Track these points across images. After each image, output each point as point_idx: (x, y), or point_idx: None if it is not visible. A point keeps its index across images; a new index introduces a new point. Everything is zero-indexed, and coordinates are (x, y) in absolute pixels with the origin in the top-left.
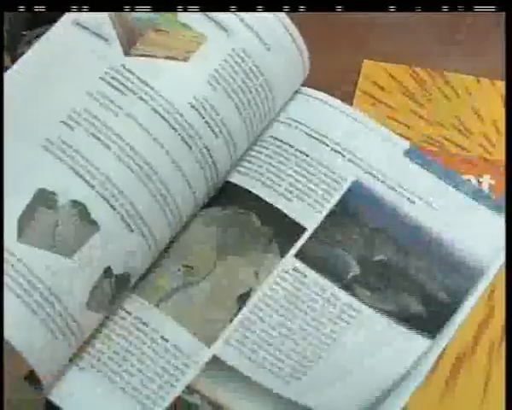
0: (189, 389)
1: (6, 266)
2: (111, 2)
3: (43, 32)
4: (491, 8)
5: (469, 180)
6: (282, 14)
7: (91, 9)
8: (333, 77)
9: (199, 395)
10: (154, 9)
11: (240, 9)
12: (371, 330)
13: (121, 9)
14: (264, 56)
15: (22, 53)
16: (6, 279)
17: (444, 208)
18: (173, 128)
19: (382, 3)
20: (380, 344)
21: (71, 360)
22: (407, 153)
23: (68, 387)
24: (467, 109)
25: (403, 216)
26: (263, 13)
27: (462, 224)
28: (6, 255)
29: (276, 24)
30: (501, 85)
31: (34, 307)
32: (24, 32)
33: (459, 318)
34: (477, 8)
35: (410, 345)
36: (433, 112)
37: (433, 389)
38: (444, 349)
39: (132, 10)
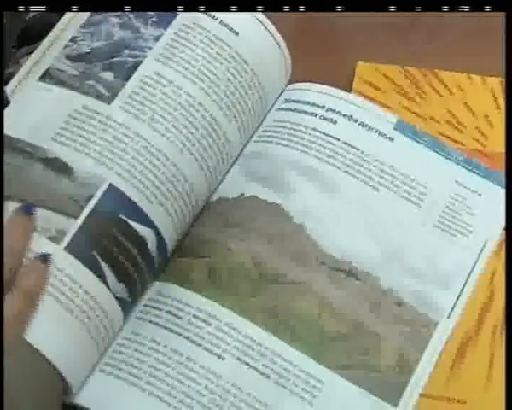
0: None
1: None
2: (111, 3)
3: (32, 51)
4: (491, 8)
5: (458, 149)
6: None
7: (91, 9)
8: (328, 79)
9: None
10: (154, 9)
11: (240, 9)
12: None
13: (121, 9)
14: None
15: (12, 73)
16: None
17: (437, 180)
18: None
19: (382, 3)
20: None
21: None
22: (396, 126)
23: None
24: (459, 105)
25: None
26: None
27: (457, 193)
28: None
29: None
30: (491, 81)
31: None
32: (13, 50)
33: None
34: (477, 8)
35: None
36: (427, 108)
37: (440, 371)
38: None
39: (132, 10)
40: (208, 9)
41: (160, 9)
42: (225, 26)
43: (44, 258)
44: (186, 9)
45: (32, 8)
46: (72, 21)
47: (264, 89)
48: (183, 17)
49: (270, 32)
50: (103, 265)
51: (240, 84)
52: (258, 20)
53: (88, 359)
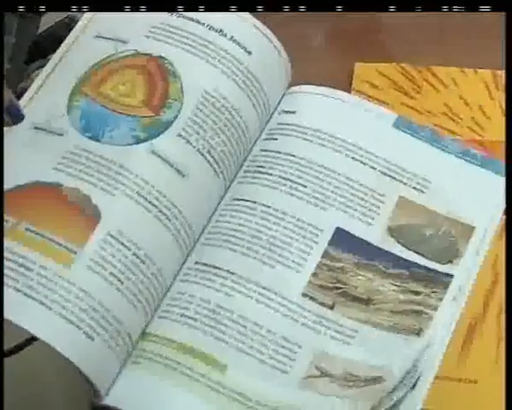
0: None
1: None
2: (111, 3)
3: (43, 65)
4: (491, 8)
5: (456, 140)
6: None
7: (91, 9)
8: (328, 80)
9: None
10: (154, 9)
11: (240, 9)
12: None
13: (121, 9)
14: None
15: (24, 88)
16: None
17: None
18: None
19: (382, 3)
20: None
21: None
22: (396, 124)
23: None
24: (454, 98)
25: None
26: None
27: (453, 185)
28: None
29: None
30: (483, 73)
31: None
32: (24, 65)
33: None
34: (477, 8)
35: None
36: (424, 103)
37: (450, 355)
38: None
39: (132, 10)
40: (208, 9)
41: (159, 9)
42: (238, 44)
43: None
44: (186, 9)
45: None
46: (81, 35)
47: (269, 99)
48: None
49: (273, 44)
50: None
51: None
52: (263, 33)
53: (113, 358)
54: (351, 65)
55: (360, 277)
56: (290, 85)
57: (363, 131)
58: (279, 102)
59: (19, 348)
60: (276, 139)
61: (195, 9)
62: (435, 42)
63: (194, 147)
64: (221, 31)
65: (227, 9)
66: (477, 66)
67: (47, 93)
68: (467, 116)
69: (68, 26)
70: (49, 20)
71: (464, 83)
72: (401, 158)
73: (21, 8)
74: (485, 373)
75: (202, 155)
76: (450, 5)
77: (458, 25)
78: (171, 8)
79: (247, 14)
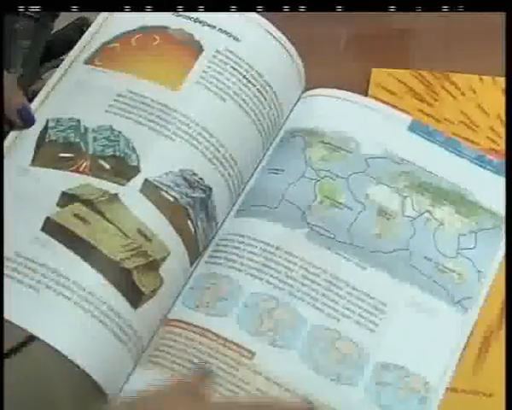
0: None
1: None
2: (111, 3)
3: (54, 66)
4: (491, 8)
5: (472, 147)
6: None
7: (92, 9)
8: (344, 86)
9: None
10: (154, 9)
11: (240, 9)
12: None
13: (121, 9)
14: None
15: (36, 91)
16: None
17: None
18: None
19: (382, 3)
20: None
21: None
22: (410, 127)
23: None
24: (472, 106)
25: None
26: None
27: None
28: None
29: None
30: (502, 81)
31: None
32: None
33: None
34: (477, 8)
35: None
36: (441, 110)
37: (466, 365)
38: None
39: (133, 10)
40: (208, 9)
41: (159, 9)
42: (247, 46)
43: None
44: (186, 9)
45: (32, 8)
46: (95, 36)
47: (281, 104)
48: None
49: (285, 48)
50: None
51: (261, 104)
52: (273, 35)
53: (122, 366)
54: (367, 70)
55: None
56: (307, 89)
57: (377, 134)
58: (294, 107)
59: (21, 345)
60: (289, 142)
61: (195, 9)
62: (453, 48)
63: None
64: (232, 35)
65: (227, 9)
66: (495, 73)
67: (59, 96)
68: (485, 125)
69: (80, 28)
70: (63, 22)
71: (482, 91)
72: (416, 161)
73: (21, 8)
74: (501, 387)
75: None
76: (450, 5)
77: (476, 30)
78: (171, 8)
79: (260, 19)
